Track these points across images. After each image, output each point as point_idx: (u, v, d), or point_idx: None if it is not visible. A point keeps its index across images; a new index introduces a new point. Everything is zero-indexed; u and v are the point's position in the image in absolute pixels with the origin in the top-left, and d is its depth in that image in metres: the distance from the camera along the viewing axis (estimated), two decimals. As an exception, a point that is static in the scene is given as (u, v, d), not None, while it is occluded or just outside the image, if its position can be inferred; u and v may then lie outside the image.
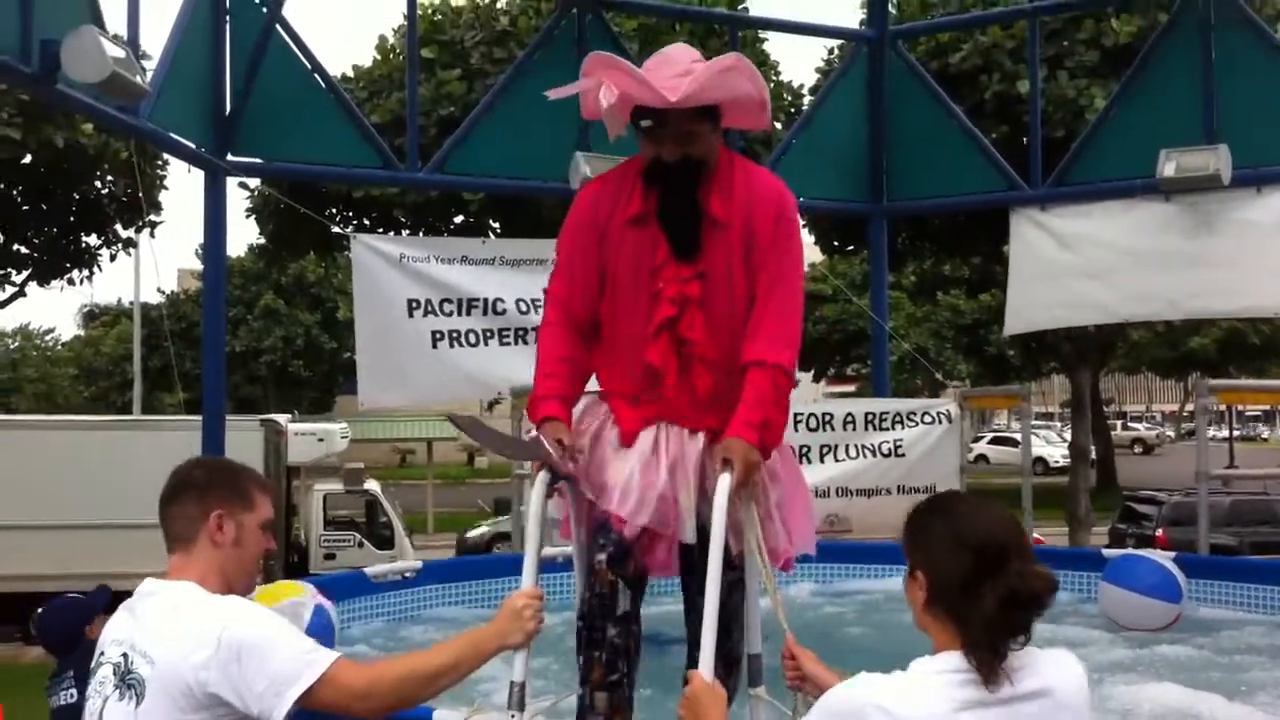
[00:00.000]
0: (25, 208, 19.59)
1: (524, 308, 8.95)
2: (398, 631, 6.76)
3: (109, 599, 5.19)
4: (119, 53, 6.20)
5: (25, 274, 21.31)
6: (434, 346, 8.77)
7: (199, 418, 9.01)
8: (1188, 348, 38.81)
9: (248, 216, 20.92)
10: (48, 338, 54.12)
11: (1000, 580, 2.20)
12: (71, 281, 21.39)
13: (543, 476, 3.49)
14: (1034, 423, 12.25)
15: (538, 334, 3.87)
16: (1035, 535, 11.33)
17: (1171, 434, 68.29)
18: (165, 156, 19.40)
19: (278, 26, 8.43)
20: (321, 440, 20.34)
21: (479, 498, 34.50)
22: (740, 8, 17.41)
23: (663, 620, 3.82)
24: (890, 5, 11.85)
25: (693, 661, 3.73)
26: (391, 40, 18.45)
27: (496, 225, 18.44)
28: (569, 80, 3.72)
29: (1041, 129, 10.03)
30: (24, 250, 20.63)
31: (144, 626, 2.59)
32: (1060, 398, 61.98)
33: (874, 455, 9.20)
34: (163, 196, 20.60)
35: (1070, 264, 9.20)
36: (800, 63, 21.34)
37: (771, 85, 18.19)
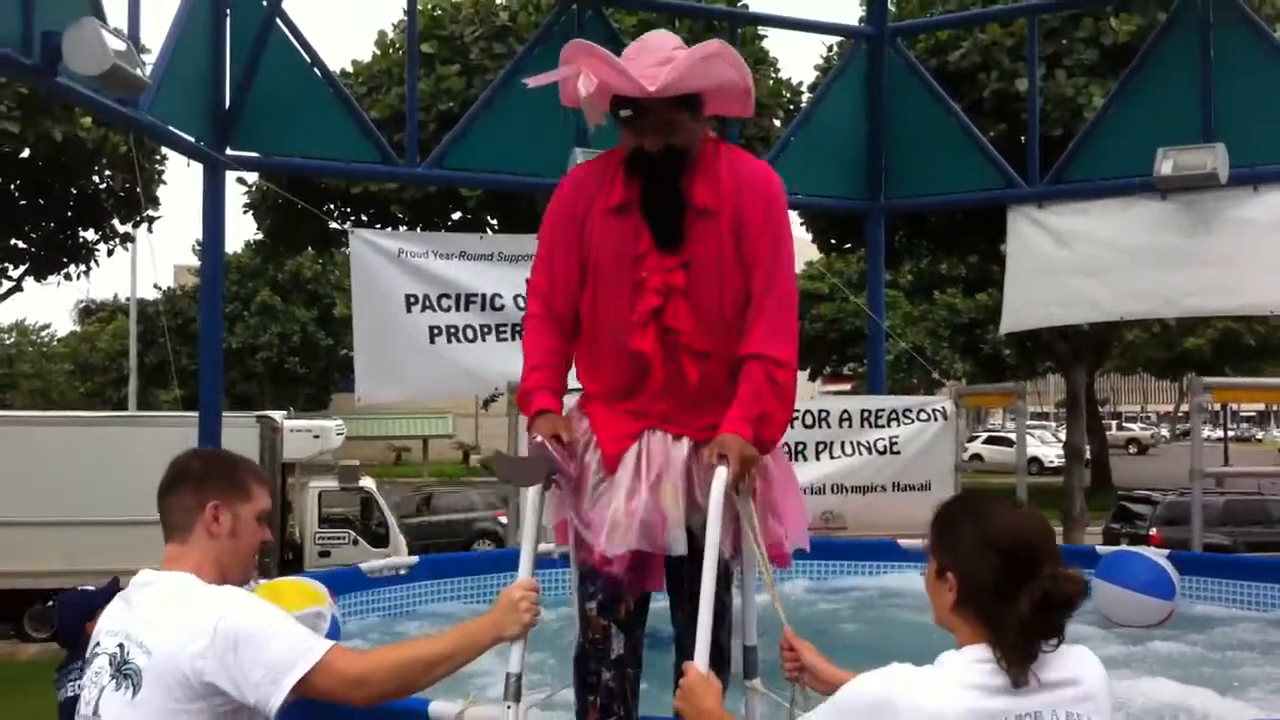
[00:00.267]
0: (23, 202, 19.58)
1: (522, 303, 8.93)
2: (394, 627, 6.76)
3: (118, 591, 5.22)
4: (120, 45, 6.20)
5: (22, 269, 21.31)
6: (432, 342, 8.77)
7: (195, 414, 9.01)
8: (1183, 348, 38.87)
9: (245, 212, 20.95)
10: (43, 334, 54.13)
11: (1035, 584, 2.22)
12: (68, 276, 21.41)
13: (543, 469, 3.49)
14: (1029, 423, 12.28)
15: (523, 326, 3.86)
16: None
17: (1166, 434, 68.37)
18: (163, 151, 19.43)
19: (278, 21, 8.43)
20: (317, 437, 20.31)
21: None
22: (739, 4, 17.42)
23: (661, 617, 3.83)
24: (889, 3, 11.85)
25: (686, 656, 3.76)
26: (391, 35, 18.47)
27: (494, 221, 18.46)
28: (569, 77, 3.70)
29: (1040, 127, 10.05)
30: (21, 245, 20.62)
31: (140, 617, 2.60)
32: (1056, 398, 62.01)
33: (869, 452, 9.23)
34: (159, 193, 20.63)
35: (1067, 262, 9.21)
36: (799, 60, 21.39)
37: (770, 82, 18.24)
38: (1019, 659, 2.23)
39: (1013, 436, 11.96)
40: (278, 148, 8.82)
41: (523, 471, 3.77)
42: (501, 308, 8.97)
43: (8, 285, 21.90)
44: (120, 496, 14.97)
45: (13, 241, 20.45)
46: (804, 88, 18.51)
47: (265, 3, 8.40)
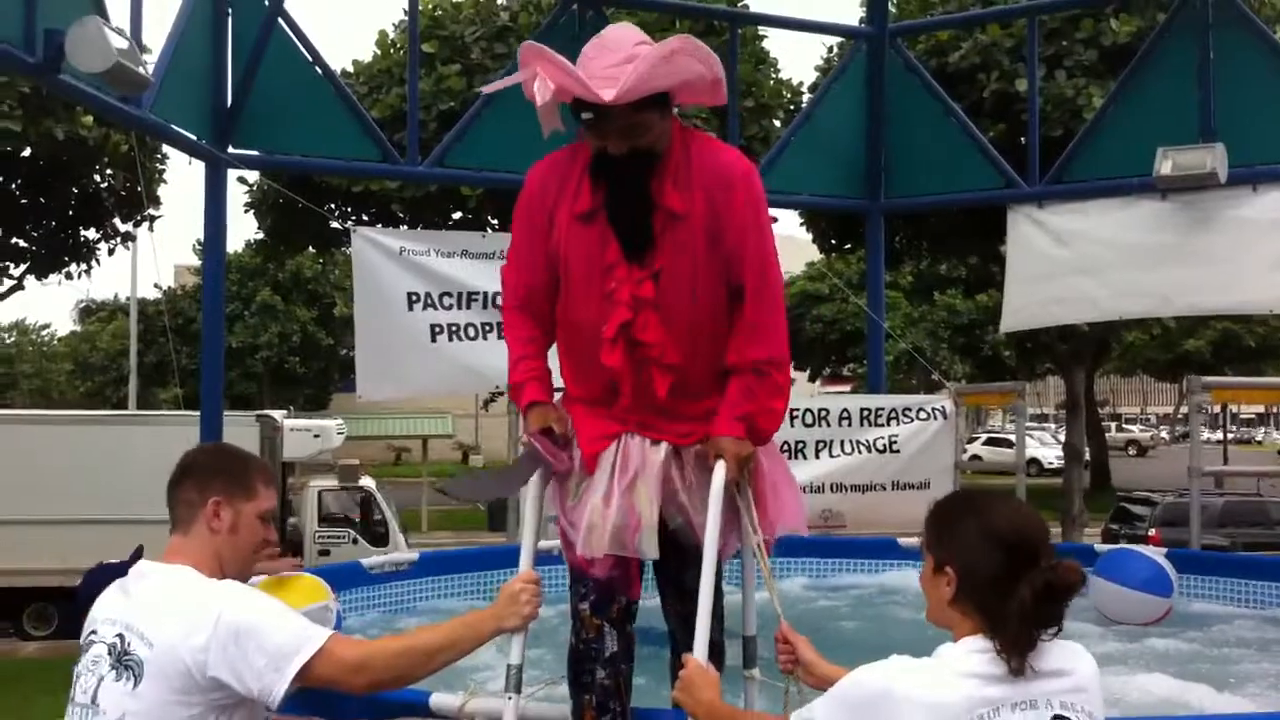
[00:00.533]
0: (24, 201, 19.59)
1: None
2: (394, 623, 6.77)
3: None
4: (122, 43, 6.22)
5: (23, 267, 21.32)
6: (433, 340, 8.77)
7: (196, 413, 9.02)
8: (1183, 350, 38.87)
9: (246, 211, 20.95)
10: (44, 333, 54.19)
11: (1037, 573, 2.28)
12: (69, 275, 21.41)
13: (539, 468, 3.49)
14: (1028, 424, 12.28)
15: (502, 318, 3.81)
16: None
17: (1166, 436, 68.38)
18: (164, 151, 19.45)
19: (279, 20, 8.44)
20: (317, 436, 20.34)
21: (474, 495, 34.44)
22: (740, 4, 17.44)
23: (656, 614, 3.86)
24: (890, 3, 11.87)
25: (679, 651, 3.79)
26: (392, 35, 18.48)
27: (495, 221, 18.46)
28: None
29: (1039, 128, 10.05)
30: (22, 243, 20.63)
31: (140, 608, 2.62)
32: (1055, 399, 62.03)
33: (869, 451, 9.24)
34: (160, 192, 20.64)
35: (1067, 261, 9.22)
36: (800, 60, 21.44)
37: (771, 82, 18.24)
38: (1019, 649, 2.27)
39: (1012, 438, 11.96)
40: (279, 146, 8.83)
41: (510, 481, 3.76)
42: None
43: (9, 284, 21.91)
44: (120, 496, 15.02)
45: (14, 240, 20.46)
46: (804, 88, 18.51)
47: (267, 2, 8.41)
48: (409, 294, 8.74)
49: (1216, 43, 8.79)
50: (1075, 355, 26.29)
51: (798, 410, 9.19)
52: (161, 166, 20.22)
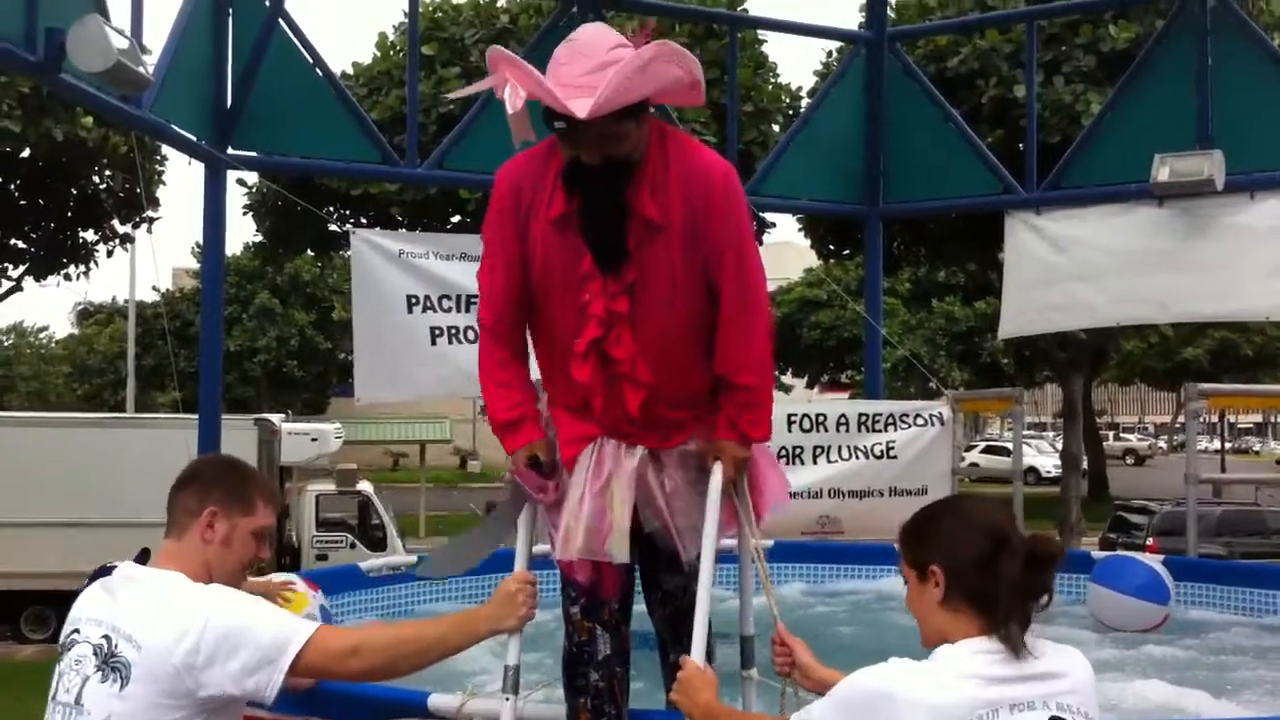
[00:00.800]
0: (23, 202, 19.62)
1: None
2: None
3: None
4: (123, 43, 6.21)
5: (22, 269, 21.34)
6: (433, 343, 8.75)
7: (194, 416, 9.00)
8: (1181, 358, 38.90)
9: (245, 214, 20.99)
10: (42, 335, 54.17)
11: (1019, 545, 2.36)
12: (68, 277, 21.44)
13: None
14: (1026, 433, 12.26)
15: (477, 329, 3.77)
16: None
17: (1164, 445, 68.38)
18: (163, 152, 19.47)
19: (280, 21, 8.44)
20: (315, 440, 20.33)
21: (471, 501, 34.45)
22: (740, 9, 17.47)
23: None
24: (889, 8, 11.88)
25: (665, 652, 3.79)
26: (392, 37, 18.52)
27: (493, 225, 18.48)
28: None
29: (1038, 134, 10.06)
30: (20, 245, 20.65)
31: (127, 610, 2.63)
32: (1053, 408, 62.07)
33: (866, 457, 9.22)
34: (159, 194, 20.67)
35: (1065, 267, 9.23)
36: (799, 65, 21.48)
37: (770, 87, 18.27)
38: (1015, 626, 2.31)
39: (1010, 446, 11.96)
40: (279, 148, 8.83)
41: (486, 542, 3.75)
42: (502, 309, 8.95)
43: (7, 285, 21.94)
44: (117, 498, 15.01)
45: (12, 241, 20.48)
46: (803, 93, 18.56)
47: (267, 3, 8.42)
48: (408, 296, 8.72)
49: (1214, 49, 8.80)
50: (1073, 363, 26.32)
51: (795, 416, 9.18)
52: (160, 168, 20.27)
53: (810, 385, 39.66)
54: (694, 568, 3.39)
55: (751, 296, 3.36)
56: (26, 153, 17.96)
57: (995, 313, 11.71)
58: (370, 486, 20.88)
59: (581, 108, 2.98)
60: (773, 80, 18.59)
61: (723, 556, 3.48)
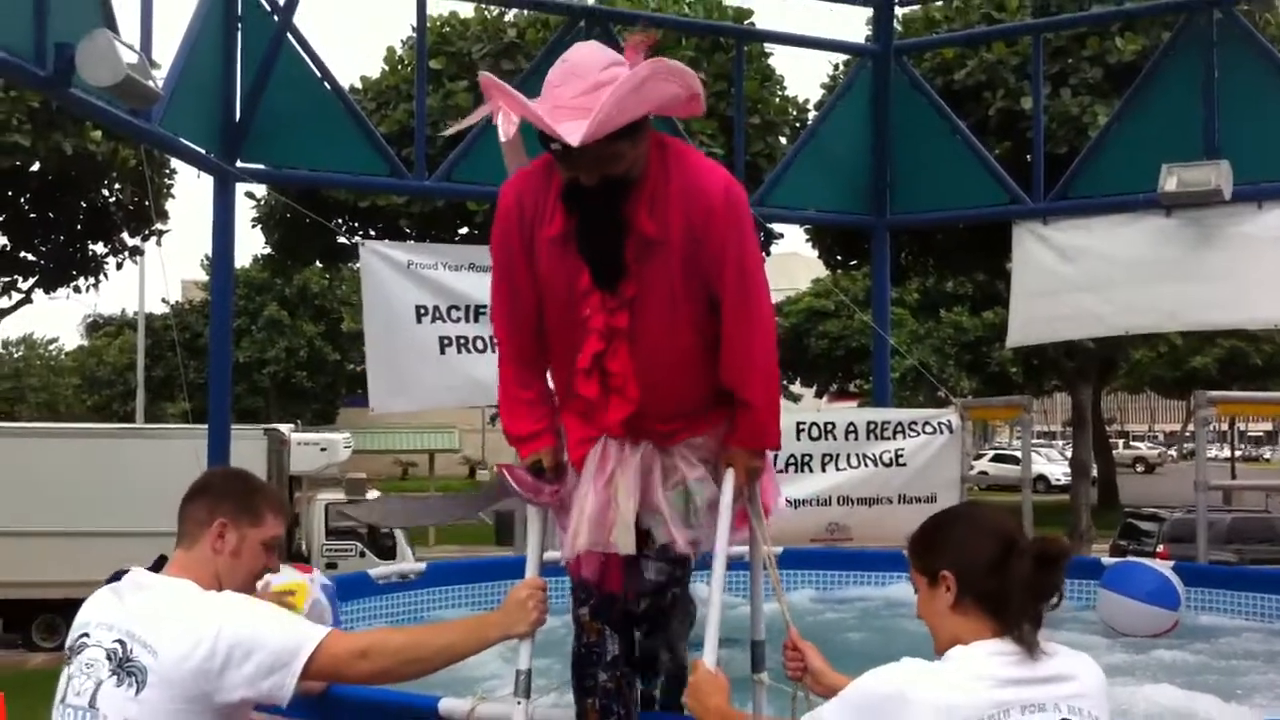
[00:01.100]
0: (33, 215, 19.69)
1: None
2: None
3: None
4: (132, 57, 6.26)
5: (31, 281, 21.41)
6: (442, 353, 8.78)
7: (204, 426, 9.04)
8: (1190, 367, 38.84)
9: (253, 226, 21.02)
10: (51, 347, 54.27)
11: (1028, 546, 2.40)
12: (77, 289, 21.50)
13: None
14: (1035, 441, 12.28)
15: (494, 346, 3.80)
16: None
17: (1174, 453, 68.18)
18: (172, 165, 19.54)
19: (288, 35, 8.49)
20: (325, 450, 20.39)
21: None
22: (747, 22, 17.51)
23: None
24: (895, 21, 11.91)
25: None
26: (400, 52, 18.59)
27: (501, 237, 18.52)
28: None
29: (1045, 145, 10.08)
30: (30, 258, 20.73)
31: (141, 617, 2.66)
32: (1062, 416, 61.98)
33: (875, 465, 9.22)
34: (168, 207, 20.76)
35: (1072, 277, 9.25)
36: (806, 78, 21.53)
37: (777, 100, 18.30)
38: (1028, 626, 2.34)
39: (1019, 454, 11.96)
40: (287, 161, 8.88)
41: (438, 509, 3.75)
42: (511, 319, 8.98)
43: (17, 298, 22.00)
44: (127, 508, 15.07)
45: (22, 254, 20.56)
46: (810, 105, 18.59)
47: (276, 18, 8.47)
48: (418, 307, 8.75)
49: (1221, 60, 8.82)
50: (1081, 372, 26.31)
51: (804, 424, 9.21)
52: (169, 181, 20.34)
53: (819, 395, 39.67)
54: (680, 560, 3.50)
55: (753, 309, 3.33)
56: (36, 166, 18.03)
57: (1003, 322, 11.73)
58: (380, 496, 20.90)
59: (575, 132, 2.93)
60: (780, 93, 18.61)
61: (733, 564, 3.50)
